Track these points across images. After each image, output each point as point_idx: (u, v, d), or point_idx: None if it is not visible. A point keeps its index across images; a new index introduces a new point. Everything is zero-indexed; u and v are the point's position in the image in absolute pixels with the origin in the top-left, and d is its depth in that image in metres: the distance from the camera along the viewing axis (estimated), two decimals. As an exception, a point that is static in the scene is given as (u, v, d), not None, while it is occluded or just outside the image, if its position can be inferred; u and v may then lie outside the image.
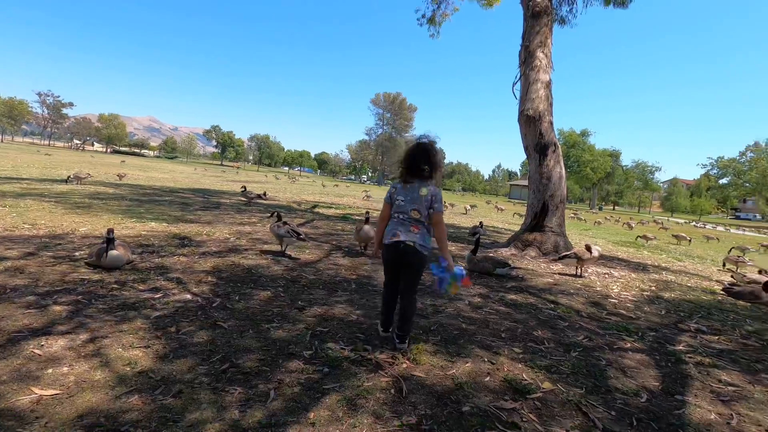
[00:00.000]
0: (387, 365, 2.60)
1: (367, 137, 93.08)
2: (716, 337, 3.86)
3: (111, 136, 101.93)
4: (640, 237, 15.53)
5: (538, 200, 7.87)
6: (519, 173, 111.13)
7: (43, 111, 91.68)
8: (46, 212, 7.16)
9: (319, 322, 3.26)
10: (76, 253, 4.60)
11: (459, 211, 23.50)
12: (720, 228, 39.20)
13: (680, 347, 3.48)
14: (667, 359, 3.18)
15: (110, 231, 4.10)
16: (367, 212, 6.68)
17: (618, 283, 5.88)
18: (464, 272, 2.96)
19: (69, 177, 13.28)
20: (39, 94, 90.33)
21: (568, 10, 11.26)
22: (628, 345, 3.41)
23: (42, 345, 2.47)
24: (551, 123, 8.23)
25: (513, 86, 9.09)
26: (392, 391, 2.31)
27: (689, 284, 6.47)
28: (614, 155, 68.47)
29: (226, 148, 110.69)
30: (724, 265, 10.09)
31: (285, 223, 5.54)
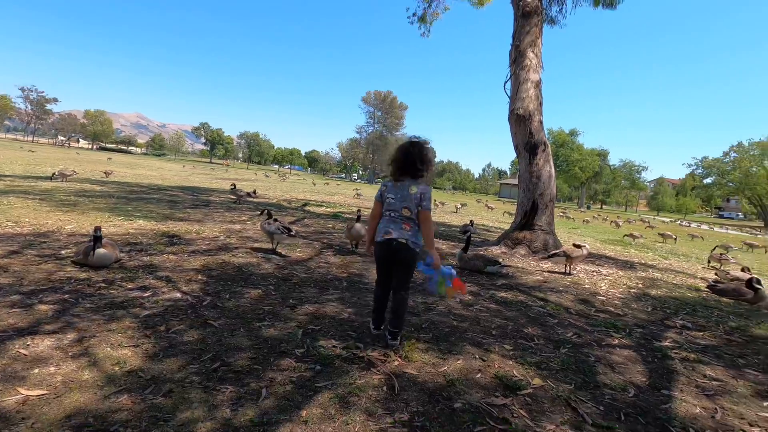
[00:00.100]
0: (379, 363, 2.61)
1: (357, 135, 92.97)
2: (701, 333, 3.94)
3: (97, 132, 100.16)
4: (627, 235, 15.78)
5: (528, 199, 7.94)
6: (509, 172, 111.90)
7: (26, 107, 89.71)
8: (31, 210, 7.02)
9: (311, 320, 3.25)
10: (62, 252, 4.53)
11: (449, 210, 23.60)
12: (704, 227, 39.98)
13: (666, 343, 3.54)
14: (654, 355, 3.24)
15: (97, 229, 4.03)
16: (359, 210, 6.68)
17: (606, 281, 5.97)
18: (454, 272, 2.95)
19: (54, 174, 13.04)
20: (22, 90, 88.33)
21: (557, 10, 11.37)
22: (616, 341, 3.47)
23: (28, 345, 2.42)
24: (541, 122, 8.30)
25: (504, 85, 9.14)
26: (384, 388, 2.31)
27: (675, 282, 6.59)
28: (602, 155, 69.39)
29: (215, 145, 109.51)
30: (708, 262, 10.30)
31: (275, 220, 5.51)
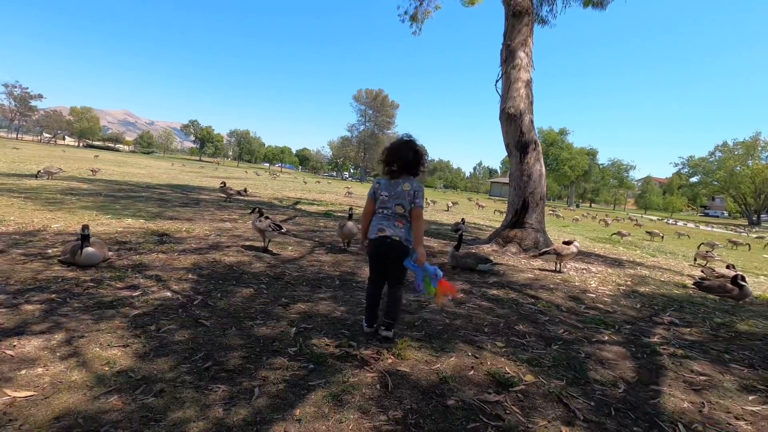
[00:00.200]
0: (372, 361, 2.61)
1: (349, 134, 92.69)
2: (688, 330, 4.00)
3: (83, 129, 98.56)
4: (616, 233, 15.99)
5: (519, 197, 8.00)
6: (499, 171, 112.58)
7: (9, 103, 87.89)
8: (16, 208, 6.88)
9: (303, 319, 3.24)
10: (49, 251, 4.45)
11: (441, 208, 23.69)
12: (690, 225, 40.67)
13: (655, 339, 3.60)
14: (643, 351, 3.28)
15: (85, 227, 3.97)
16: (351, 208, 6.67)
17: (595, 278, 6.04)
18: (440, 273, 2.80)
19: (39, 172, 12.80)
20: (5, 86, 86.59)
21: (548, 10, 11.44)
22: (606, 338, 3.51)
23: (14, 345, 2.38)
24: (532, 121, 8.35)
25: (495, 84, 9.18)
26: (378, 386, 2.31)
27: (662, 279, 6.69)
28: (591, 154, 70.17)
29: (205, 143, 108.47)
30: (694, 260, 10.49)
31: (266, 218, 5.48)
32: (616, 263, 7.88)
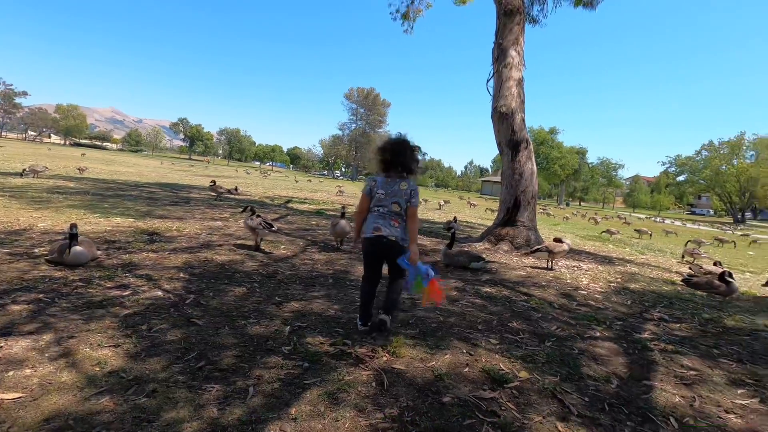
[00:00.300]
0: (367, 359, 2.60)
1: (340, 132, 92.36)
2: (678, 325, 4.06)
3: (70, 127, 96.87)
4: (605, 231, 16.18)
5: (511, 195, 8.04)
6: (490, 170, 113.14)
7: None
8: (0, 207, 6.74)
9: (297, 318, 3.22)
10: (36, 250, 4.36)
11: (433, 207, 23.74)
12: (678, 223, 41.30)
13: (645, 335, 3.64)
14: (634, 347, 3.32)
15: (73, 226, 3.90)
16: (343, 207, 6.64)
17: (586, 276, 6.10)
18: (432, 273, 2.80)
19: (24, 170, 12.56)
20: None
21: (539, 9, 11.50)
22: (598, 334, 3.54)
23: (1, 346, 2.32)
24: (523, 120, 8.40)
25: (487, 83, 9.21)
26: (373, 384, 2.31)
27: (652, 276, 6.78)
28: (581, 152, 70.87)
29: (195, 141, 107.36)
30: (682, 257, 10.65)
31: (258, 216, 5.44)
32: (607, 260, 7.96)
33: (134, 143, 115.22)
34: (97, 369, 2.20)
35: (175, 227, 6.52)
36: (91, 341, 2.50)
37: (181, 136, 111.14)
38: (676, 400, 2.48)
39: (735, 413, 2.39)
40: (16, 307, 2.87)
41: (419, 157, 2.98)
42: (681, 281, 6.07)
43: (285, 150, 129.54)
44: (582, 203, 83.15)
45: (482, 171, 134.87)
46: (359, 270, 5.01)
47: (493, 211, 23.77)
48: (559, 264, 6.72)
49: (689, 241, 14.66)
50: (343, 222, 5.94)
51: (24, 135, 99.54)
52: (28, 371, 2.12)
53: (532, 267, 6.30)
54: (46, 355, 2.30)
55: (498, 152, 8.87)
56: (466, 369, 2.61)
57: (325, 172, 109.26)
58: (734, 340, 3.77)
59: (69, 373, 2.14)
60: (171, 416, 1.86)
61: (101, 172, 18.80)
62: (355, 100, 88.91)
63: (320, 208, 12.94)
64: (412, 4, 12.94)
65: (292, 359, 2.51)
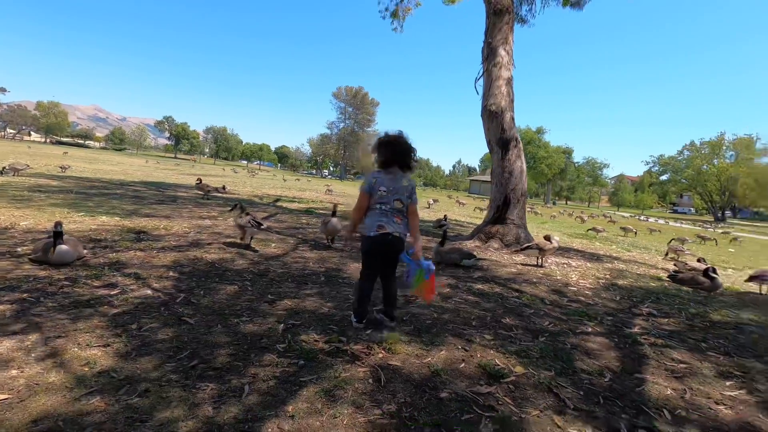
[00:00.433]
0: (363, 356, 2.59)
1: (328, 131, 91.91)
2: (666, 320, 4.13)
3: (51, 125, 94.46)
4: (591, 229, 16.40)
5: (501, 193, 8.08)
6: (478, 169, 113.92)
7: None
8: (-20, 205, 6.53)
9: (291, 315, 3.18)
10: (19, 249, 4.24)
11: (422, 205, 23.78)
12: (661, 221, 42.13)
13: (635, 330, 3.69)
14: (625, 341, 3.36)
15: (58, 224, 3.79)
16: (335, 205, 6.61)
17: (576, 272, 6.17)
18: (432, 268, 2.92)
19: (4, 168, 12.21)
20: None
21: (527, 9, 11.61)
22: (590, 329, 3.58)
23: (-15, 347, 2.25)
24: (513, 118, 8.46)
25: (475, 82, 9.26)
26: (370, 380, 2.29)
27: (639, 272, 6.89)
28: (567, 152, 71.73)
29: (180, 140, 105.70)
30: (666, 254, 10.85)
31: (247, 214, 5.37)
32: (595, 258, 8.07)
33: (118, 141, 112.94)
34: (87, 369, 2.14)
35: (162, 226, 6.40)
36: (79, 341, 2.43)
37: (167, 134, 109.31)
38: (668, 392, 2.52)
39: (725, 404, 2.43)
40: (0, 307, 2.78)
41: (416, 153, 2.99)
42: (667, 277, 6.19)
43: (273, 149, 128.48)
44: (568, 202, 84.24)
45: (470, 170, 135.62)
46: (351, 268, 4.98)
47: (481, 209, 23.92)
48: (549, 261, 6.78)
49: (673, 238, 14.93)
50: (334, 220, 5.91)
51: (2, 133, 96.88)
52: (14, 372, 2.05)
53: (522, 264, 6.35)
54: (33, 355, 2.23)
55: (487, 151, 8.93)
56: (462, 365, 2.61)
57: (314, 171, 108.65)
58: (720, 333, 3.85)
59: (57, 373, 2.08)
60: (165, 416, 1.82)
61: (84, 171, 18.38)
62: (343, 99, 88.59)
63: (309, 207, 12.86)
64: (401, 3, 12.92)
65: (287, 357, 2.49)
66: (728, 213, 64.78)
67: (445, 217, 10.68)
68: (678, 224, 40.38)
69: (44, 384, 1.98)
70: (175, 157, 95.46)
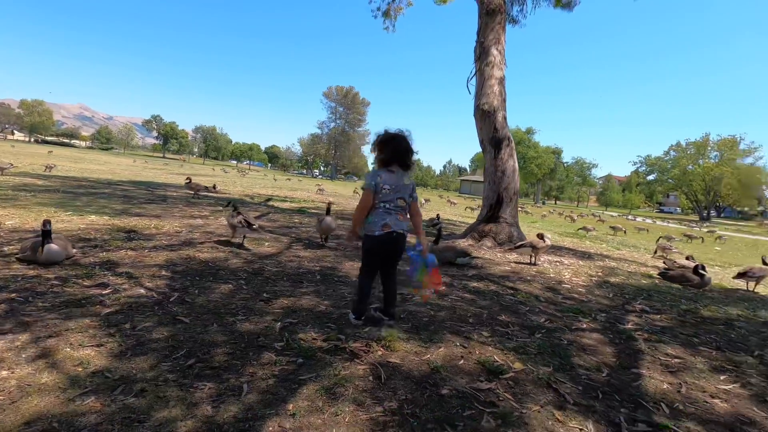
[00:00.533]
0: (362, 353, 2.57)
1: (319, 131, 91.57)
2: (658, 316, 4.18)
3: (35, 124, 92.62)
4: (582, 229, 16.59)
5: (494, 192, 8.12)
6: (469, 169, 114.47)
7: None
8: (-37, 205, 6.37)
9: (288, 314, 3.15)
10: (5, 248, 4.14)
11: (413, 205, 23.79)
12: (648, 220, 42.79)
13: (629, 326, 3.73)
14: (620, 337, 3.39)
15: (46, 222, 3.71)
16: (329, 203, 6.57)
17: (568, 270, 6.22)
18: (436, 262, 3.02)
19: (-13, 167, 11.93)
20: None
21: (519, 9, 11.68)
22: (585, 326, 3.61)
23: (-27, 348, 2.18)
24: (505, 118, 8.50)
25: (467, 81, 9.30)
26: (371, 378, 2.28)
27: (629, 270, 6.98)
28: (556, 152, 72.49)
29: (169, 139, 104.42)
30: (655, 252, 11.01)
31: (239, 213, 5.32)
32: (586, 256, 8.16)
33: (105, 141, 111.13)
34: (80, 369, 2.09)
35: (153, 225, 6.31)
36: (71, 341, 2.37)
37: (155, 133, 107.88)
38: (665, 386, 2.55)
39: (720, 398, 2.47)
40: (-13, 307, 2.70)
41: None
42: (658, 275, 6.27)
43: (263, 148, 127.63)
44: (557, 202, 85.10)
45: (461, 170, 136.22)
46: (347, 266, 4.96)
47: (473, 209, 24.05)
48: (542, 259, 6.83)
49: (660, 237, 15.17)
50: (328, 219, 5.87)
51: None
52: (4, 373, 1.99)
53: (515, 262, 6.38)
54: (24, 355, 2.17)
55: (478, 151, 8.98)
56: (462, 361, 2.61)
57: (304, 171, 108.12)
58: (711, 329, 3.91)
59: (50, 373, 2.03)
60: (163, 415, 1.79)
61: (70, 170, 18.05)
62: (334, 98, 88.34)
63: (302, 207, 12.80)
64: (393, 2, 12.92)
65: (285, 355, 2.46)
66: (713, 213, 66.04)
67: (438, 216, 10.70)
68: (665, 223, 41.05)
69: (36, 385, 1.92)
70: (164, 157, 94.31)
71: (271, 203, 12.89)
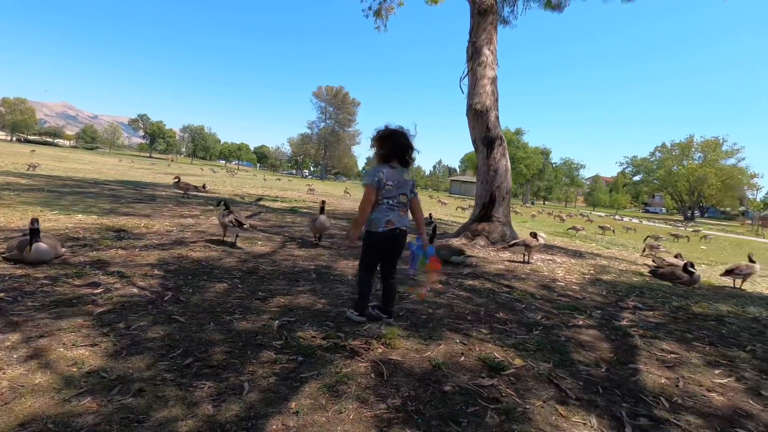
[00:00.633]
0: (363, 351, 2.54)
1: (309, 131, 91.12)
2: (651, 313, 4.23)
3: (17, 122, 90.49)
4: (571, 228, 16.77)
5: (487, 191, 8.15)
6: (458, 169, 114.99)
7: (-72, 91, 79.17)
8: (-56, 203, 6.18)
9: (285, 312, 3.11)
10: (-10, 248, 4.01)
11: (404, 205, 23.82)
12: (635, 220, 43.46)
13: (624, 323, 3.77)
14: (616, 333, 3.42)
15: (34, 221, 3.61)
16: (323, 202, 6.52)
17: (561, 269, 6.27)
18: (434, 251, 3.09)
19: (-31, 165, 11.60)
20: (-77, 72, 77.82)
21: (510, 10, 11.75)
22: (581, 322, 3.63)
23: (-39, 348, 2.11)
24: (497, 117, 8.55)
25: (460, 81, 9.33)
26: (372, 375, 2.25)
27: (621, 268, 7.06)
28: (545, 153, 73.19)
29: (156, 139, 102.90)
30: (643, 251, 11.17)
31: (230, 212, 5.25)
32: (578, 254, 8.23)
33: (89, 140, 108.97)
34: (75, 369, 2.03)
35: (143, 224, 6.19)
36: (64, 341, 2.31)
37: (141, 133, 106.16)
38: (662, 381, 2.57)
39: (716, 392, 2.50)
40: (-27, 307, 2.62)
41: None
42: (648, 272, 6.36)
43: (252, 148, 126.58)
44: (546, 202, 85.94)
45: (450, 171, 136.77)
46: (342, 265, 4.93)
47: (463, 209, 24.17)
48: (535, 258, 6.87)
49: (648, 236, 15.41)
50: (322, 217, 5.83)
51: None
52: (-5, 374, 1.93)
53: (509, 261, 6.41)
54: (15, 356, 2.10)
55: (467, 151, 9.05)
56: (462, 358, 2.60)
57: (294, 171, 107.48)
58: (703, 325, 3.96)
59: (43, 374, 1.96)
60: (163, 415, 1.74)
61: (55, 169, 17.67)
62: (324, 98, 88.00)
63: (293, 206, 12.71)
64: (384, 2, 12.91)
65: (285, 353, 2.42)
66: (696, 213, 67.36)
67: (430, 215, 10.72)
68: (651, 223, 41.75)
69: (30, 385, 1.86)
70: (150, 156, 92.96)
71: (262, 203, 12.78)
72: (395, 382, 2.20)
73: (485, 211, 8.11)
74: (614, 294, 4.94)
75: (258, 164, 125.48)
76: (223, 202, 5.89)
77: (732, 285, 6.50)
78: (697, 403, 2.31)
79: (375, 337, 2.76)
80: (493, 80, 8.64)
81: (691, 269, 5.69)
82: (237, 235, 5.40)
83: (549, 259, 6.95)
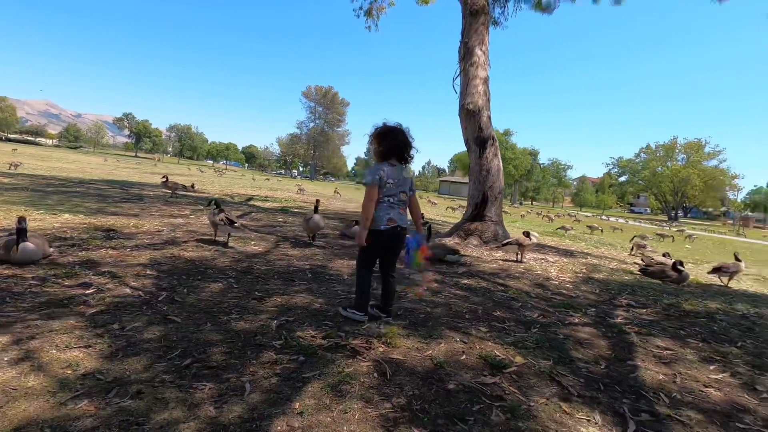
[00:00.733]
0: (364, 350, 2.52)
1: (298, 131, 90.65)
2: (644, 310, 4.28)
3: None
4: (560, 228, 16.96)
5: (479, 191, 8.18)
6: (448, 170, 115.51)
7: None
8: (-76, 203, 5.98)
9: (282, 312, 3.07)
10: (-25, 248, 3.88)
11: (395, 205, 23.81)
12: (621, 220, 44.16)
13: (619, 320, 3.81)
14: (611, 331, 3.45)
15: (21, 220, 3.51)
16: (317, 201, 6.47)
17: (554, 267, 6.32)
18: (422, 237, 3.17)
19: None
20: None
21: (500, 11, 11.83)
22: (577, 320, 3.66)
23: (-52, 351, 2.03)
24: (489, 117, 8.59)
25: (453, 81, 9.34)
26: (375, 374, 2.23)
27: (611, 266, 7.15)
28: (533, 154, 73.90)
29: (142, 138, 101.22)
30: (631, 250, 11.34)
31: (221, 210, 5.17)
32: (569, 253, 8.32)
33: (73, 139, 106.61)
34: (69, 372, 1.97)
35: (132, 224, 6.07)
36: (56, 342, 2.24)
37: (126, 132, 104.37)
38: (660, 377, 2.60)
39: (713, 387, 2.53)
40: (-41, 309, 2.52)
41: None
42: (638, 271, 6.44)
43: (240, 148, 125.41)
44: (533, 202, 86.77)
45: (440, 171, 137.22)
46: (337, 264, 4.90)
47: (453, 209, 24.27)
48: (527, 257, 6.92)
49: (635, 236, 15.67)
50: (316, 217, 5.79)
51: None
52: (-14, 377, 1.86)
53: (503, 260, 6.44)
54: (6, 358, 2.03)
55: (460, 151, 9.08)
56: (463, 356, 2.59)
57: (282, 171, 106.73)
58: (695, 322, 4.03)
59: (36, 377, 1.90)
60: (164, 417, 1.70)
61: (38, 168, 17.28)
62: (313, 98, 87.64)
63: (284, 206, 12.61)
64: (375, 2, 12.90)
65: (285, 353, 2.39)
66: (680, 213, 68.72)
67: (423, 215, 10.72)
68: (637, 223, 42.45)
69: (23, 389, 1.80)
70: (136, 156, 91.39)
71: (252, 203, 12.66)
72: (398, 381, 2.18)
73: (478, 211, 8.14)
74: (607, 292, 4.99)
75: (246, 164, 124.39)
76: (213, 202, 5.80)
77: (719, 283, 6.63)
78: (695, 399, 2.34)
79: (375, 336, 2.74)
80: (485, 80, 8.68)
81: (680, 267, 5.79)
82: (229, 235, 5.33)
83: (541, 258, 7.00)
